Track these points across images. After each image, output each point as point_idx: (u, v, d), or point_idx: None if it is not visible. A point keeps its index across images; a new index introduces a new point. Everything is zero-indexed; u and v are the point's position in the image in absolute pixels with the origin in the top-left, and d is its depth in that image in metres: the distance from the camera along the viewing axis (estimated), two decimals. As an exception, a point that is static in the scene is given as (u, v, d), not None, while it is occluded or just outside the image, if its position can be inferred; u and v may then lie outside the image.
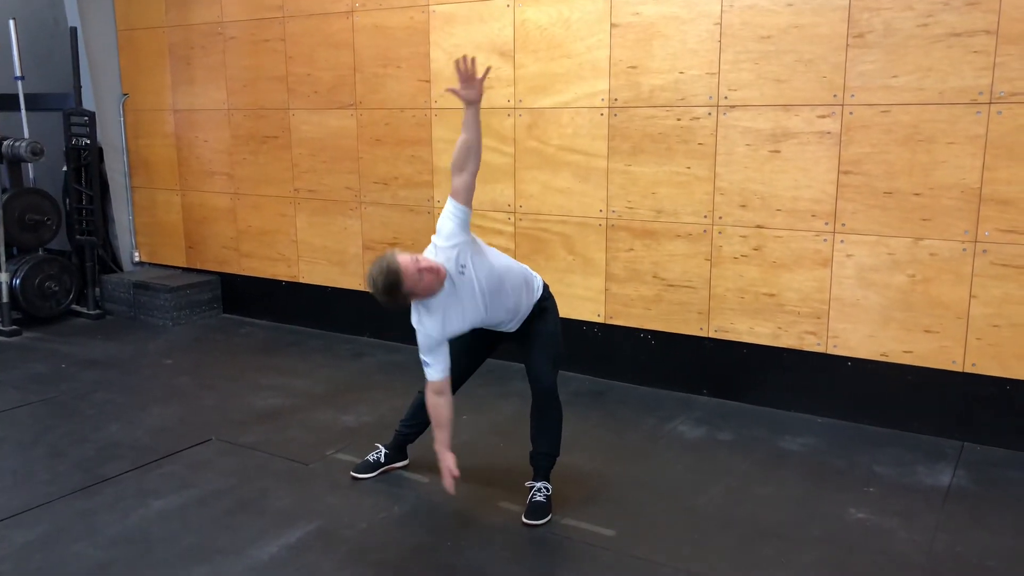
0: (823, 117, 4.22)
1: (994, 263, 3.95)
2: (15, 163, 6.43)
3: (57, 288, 6.52)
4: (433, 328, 3.22)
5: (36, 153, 6.34)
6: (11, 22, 6.34)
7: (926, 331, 4.14)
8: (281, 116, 6.10)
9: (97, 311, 6.70)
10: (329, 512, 3.50)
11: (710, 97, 4.49)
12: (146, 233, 7.11)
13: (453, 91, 3.16)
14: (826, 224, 4.30)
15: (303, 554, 3.18)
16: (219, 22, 6.27)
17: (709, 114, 4.50)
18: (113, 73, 6.89)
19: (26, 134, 6.46)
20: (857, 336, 4.31)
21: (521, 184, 5.14)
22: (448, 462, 3.26)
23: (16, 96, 6.48)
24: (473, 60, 3.13)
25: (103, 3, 6.77)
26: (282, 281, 6.38)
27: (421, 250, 3.27)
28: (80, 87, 6.54)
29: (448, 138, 5.36)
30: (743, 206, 4.49)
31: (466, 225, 3.19)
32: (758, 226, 4.47)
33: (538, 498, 3.44)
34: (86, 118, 6.51)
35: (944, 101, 3.95)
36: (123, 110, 6.93)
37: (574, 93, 4.88)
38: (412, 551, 3.22)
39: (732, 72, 4.41)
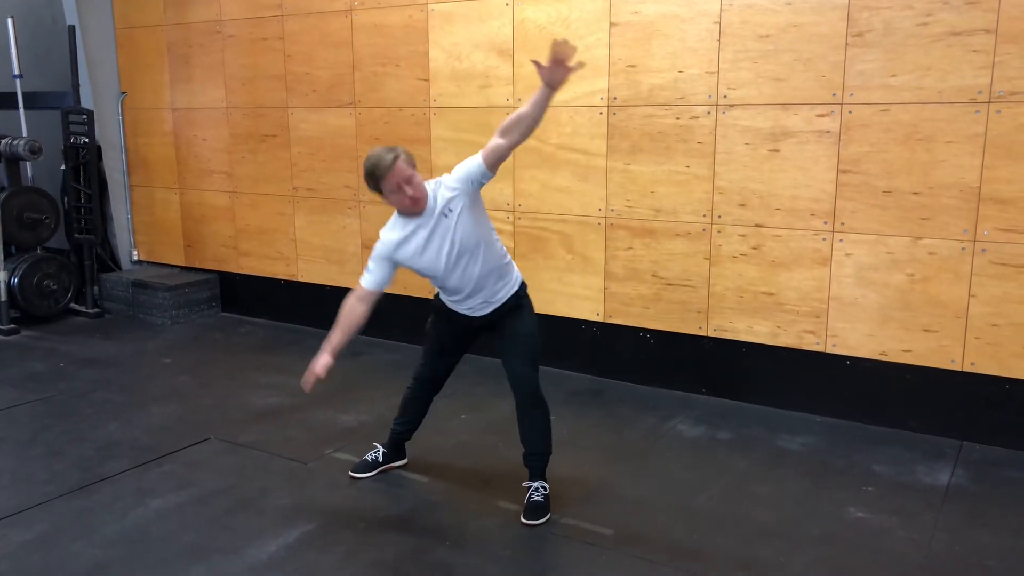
0: (822, 116, 4.22)
1: (993, 262, 3.95)
2: (13, 162, 6.42)
3: (55, 287, 6.51)
4: (391, 242, 3.28)
5: (34, 151, 6.33)
6: (9, 20, 6.33)
7: (925, 330, 4.14)
8: (280, 115, 6.09)
9: (95, 310, 6.70)
10: (328, 511, 3.50)
11: (709, 96, 4.48)
12: (145, 232, 7.10)
13: (537, 64, 3.00)
14: (825, 223, 4.30)
15: (302, 553, 3.18)
16: (218, 20, 6.26)
17: (708, 113, 4.50)
18: (111, 71, 6.88)
19: (24, 132, 6.46)
20: (856, 335, 4.31)
21: (520, 183, 5.14)
22: (322, 361, 3.30)
23: (14, 94, 6.48)
24: (573, 48, 2.97)
25: (101, 1, 6.76)
26: (281, 280, 6.38)
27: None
28: (78, 85, 6.53)
29: (447, 137, 5.35)
30: (742, 205, 4.49)
31: (477, 183, 3.20)
32: (757, 225, 4.47)
33: (536, 498, 3.43)
34: (84, 116, 6.51)
35: (943, 100, 3.94)
36: (121, 108, 6.92)
37: (573, 92, 4.87)
38: (411, 551, 3.22)
39: (731, 71, 4.41)
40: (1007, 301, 3.95)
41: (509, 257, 3.45)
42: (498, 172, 3.22)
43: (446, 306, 3.48)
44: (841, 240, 4.27)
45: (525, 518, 3.37)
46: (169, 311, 6.43)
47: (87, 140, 6.54)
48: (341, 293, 6.03)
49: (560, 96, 4.87)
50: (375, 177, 3.16)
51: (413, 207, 3.19)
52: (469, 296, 3.36)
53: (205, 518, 3.45)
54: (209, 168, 6.58)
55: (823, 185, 4.27)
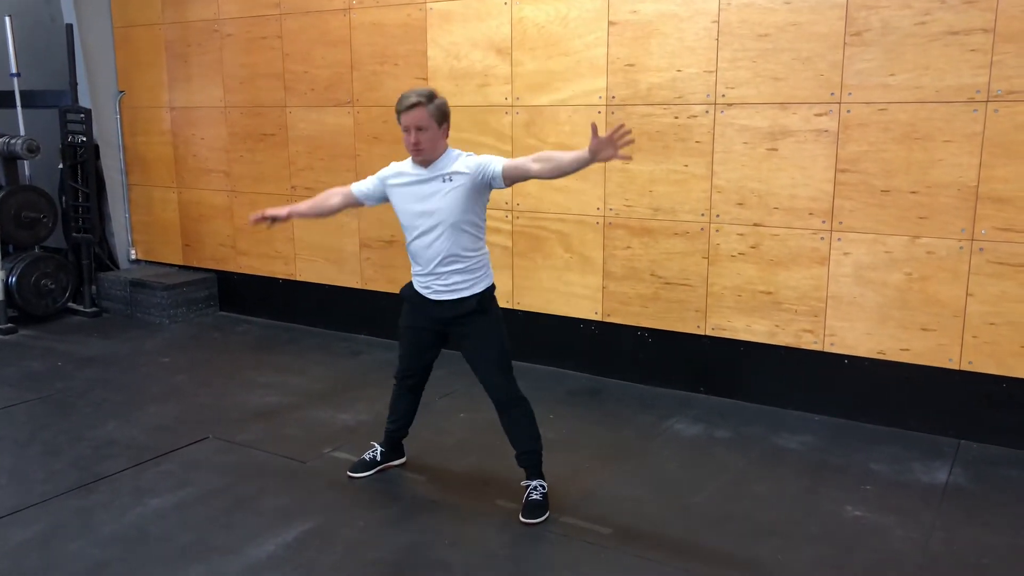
0: (820, 115, 4.22)
1: (991, 261, 3.96)
2: (11, 160, 6.41)
3: (53, 286, 6.50)
4: (391, 170, 3.43)
5: (32, 150, 6.33)
6: (7, 19, 6.33)
7: (923, 329, 4.15)
8: (278, 113, 6.09)
9: (93, 309, 6.69)
10: (326, 510, 3.50)
11: (708, 95, 4.49)
12: (142, 231, 7.10)
13: (593, 128, 2.99)
14: (823, 222, 4.30)
15: (300, 552, 3.18)
16: (216, 19, 6.26)
17: (707, 112, 4.50)
18: (109, 70, 6.87)
19: (22, 131, 6.45)
20: (854, 334, 4.31)
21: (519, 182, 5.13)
22: (274, 212, 3.53)
23: (12, 93, 6.47)
24: (632, 139, 3.03)
25: (99, 0, 6.75)
26: (279, 279, 6.38)
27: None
28: (76, 84, 6.52)
29: (445, 136, 5.35)
30: (740, 204, 4.49)
31: (486, 182, 3.24)
32: (755, 224, 4.47)
33: (534, 496, 3.44)
34: (82, 115, 6.50)
35: (941, 99, 3.95)
36: (119, 107, 6.91)
37: (572, 91, 4.87)
38: (409, 549, 3.22)
39: (730, 70, 4.41)
40: (1005, 300, 3.96)
41: (484, 262, 3.42)
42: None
43: (413, 289, 3.48)
44: (839, 239, 4.28)
45: (524, 517, 3.37)
46: (167, 310, 6.42)
47: (85, 139, 6.54)
48: (340, 292, 6.11)
49: (559, 95, 4.92)
50: (396, 109, 3.25)
51: (413, 153, 3.28)
52: (428, 273, 3.37)
53: (204, 517, 3.45)
54: (207, 167, 6.57)
55: (821, 184, 4.27)
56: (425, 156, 3.27)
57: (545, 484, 3.49)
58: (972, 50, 3.85)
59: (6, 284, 6.24)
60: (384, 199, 3.48)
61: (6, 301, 6.22)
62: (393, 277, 5.75)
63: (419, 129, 3.20)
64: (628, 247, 4.85)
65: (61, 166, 6.71)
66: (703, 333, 4.71)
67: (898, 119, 4.05)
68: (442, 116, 3.25)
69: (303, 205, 3.64)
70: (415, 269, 3.45)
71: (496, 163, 3.22)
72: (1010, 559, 3.12)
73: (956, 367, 4.10)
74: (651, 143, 4.68)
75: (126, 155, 6.98)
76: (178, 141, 6.70)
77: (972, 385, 4.08)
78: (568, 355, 5.16)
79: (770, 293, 4.49)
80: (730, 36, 4.38)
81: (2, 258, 6.23)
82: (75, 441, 4.23)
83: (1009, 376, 4.00)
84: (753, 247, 4.50)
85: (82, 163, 6.61)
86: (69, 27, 6.47)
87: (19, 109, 6.46)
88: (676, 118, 4.59)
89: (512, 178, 3.23)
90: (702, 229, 4.62)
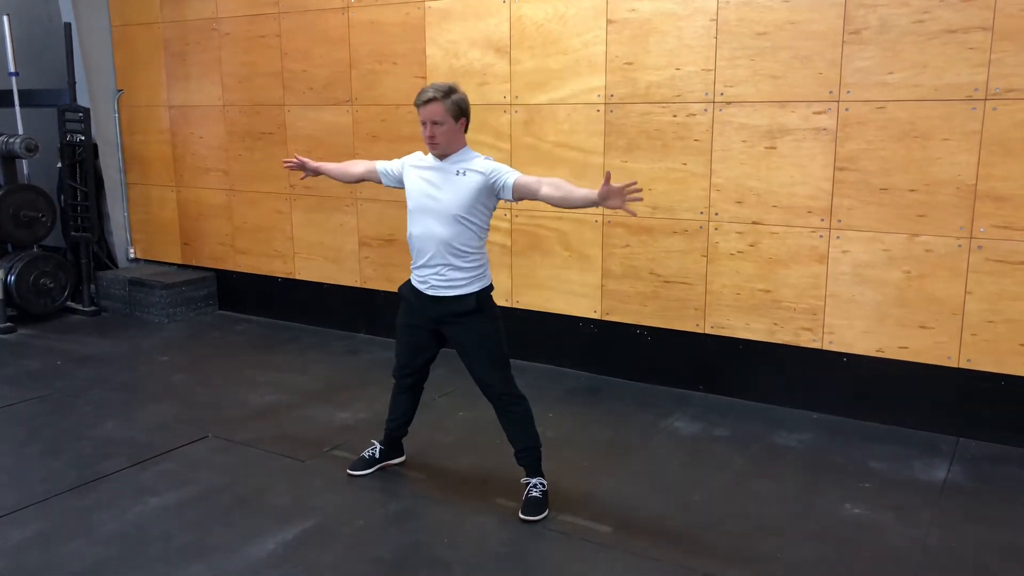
0: (819, 113, 4.22)
1: (989, 259, 3.96)
2: (9, 159, 6.41)
3: (52, 285, 6.50)
4: (412, 156, 3.54)
5: (31, 149, 6.32)
6: (5, 18, 6.32)
7: (921, 327, 4.15)
8: (276, 112, 6.09)
9: (92, 308, 6.69)
10: (326, 509, 3.50)
11: (706, 93, 4.49)
12: (141, 230, 7.10)
13: (607, 176, 3.02)
14: (822, 220, 4.31)
15: (300, 551, 3.18)
16: (214, 18, 6.25)
17: (705, 110, 4.50)
18: (108, 69, 6.87)
19: (20, 130, 6.44)
20: (853, 332, 4.32)
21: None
22: (306, 161, 3.80)
23: (10, 92, 6.46)
24: (641, 196, 3.08)
25: (97, -1, 6.76)
26: (278, 278, 6.38)
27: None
28: (75, 83, 6.52)
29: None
30: (739, 202, 4.50)
31: (494, 188, 3.28)
32: (754, 222, 4.48)
33: (533, 494, 3.44)
34: (81, 114, 6.50)
35: (940, 98, 3.95)
36: (118, 106, 6.91)
37: (570, 89, 4.87)
38: (408, 548, 3.22)
39: (728, 68, 4.41)
40: (1003, 298, 3.96)
41: (483, 262, 3.42)
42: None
43: (411, 287, 3.50)
44: (838, 237, 4.28)
45: (523, 514, 3.38)
46: (166, 309, 6.42)
47: (83, 138, 6.53)
48: (339, 291, 6.11)
49: (557, 93, 4.92)
50: (414, 102, 3.33)
51: (430, 146, 3.35)
52: (425, 265, 3.39)
53: (203, 516, 3.45)
54: (206, 166, 6.57)
55: (820, 182, 4.28)
56: (441, 150, 3.33)
57: (545, 482, 3.49)
58: (970, 48, 3.85)
59: (5, 283, 6.23)
60: (400, 183, 3.55)
61: (5, 300, 6.22)
62: (392, 276, 5.75)
63: (435, 123, 3.27)
64: (627, 245, 4.85)
65: (60, 165, 6.71)
66: (702, 331, 4.72)
67: (897, 117, 4.05)
68: (459, 111, 3.29)
69: (331, 165, 3.82)
70: (414, 263, 3.47)
71: (510, 176, 3.26)
72: (1008, 556, 3.12)
73: (955, 365, 4.11)
74: (650, 141, 4.68)
75: (125, 154, 6.98)
76: (177, 140, 6.69)
77: (971, 383, 4.09)
78: (567, 353, 5.17)
79: (769, 291, 4.50)
80: (729, 34, 4.38)
81: (1, 257, 6.22)
82: (74, 440, 4.23)
83: (1007, 374, 4.00)
84: (752, 245, 4.50)
85: (81, 162, 6.61)
86: (67, 26, 6.46)
87: (17, 108, 6.46)
88: (675, 116, 4.59)
89: (521, 195, 3.26)
90: (701, 227, 4.62)
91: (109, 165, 6.92)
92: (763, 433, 4.24)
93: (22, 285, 6.30)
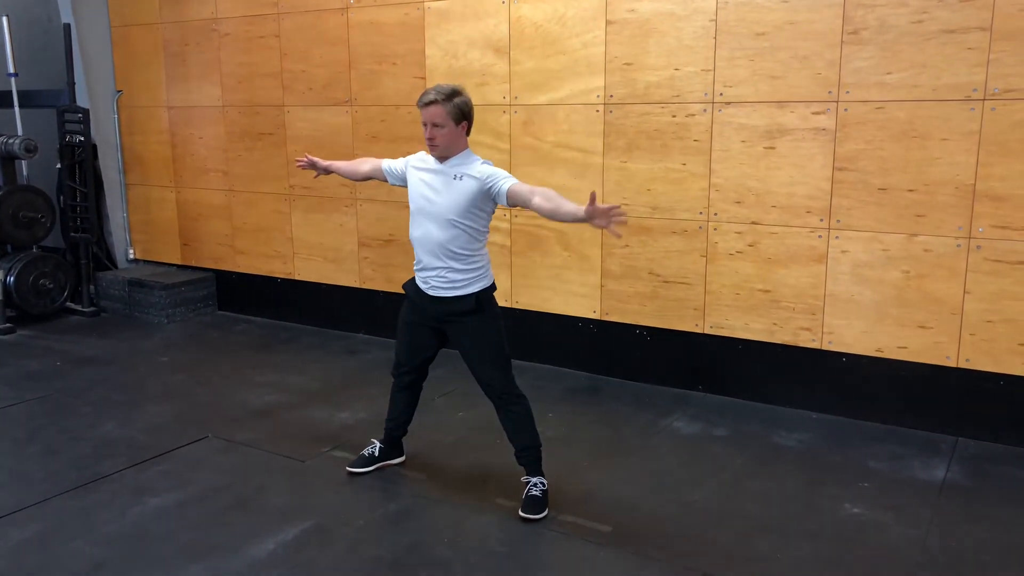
0: (818, 114, 4.23)
1: (988, 259, 3.97)
2: (9, 160, 6.41)
3: (51, 285, 6.50)
4: (414, 157, 3.54)
5: (30, 150, 6.32)
6: (4, 19, 6.32)
7: (920, 327, 4.16)
8: (276, 113, 6.09)
9: (92, 308, 6.69)
10: (326, 509, 3.51)
11: (705, 94, 4.49)
12: (141, 230, 7.10)
13: (592, 196, 2.96)
14: (821, 220, 4.31)
15: (300, 551, 3.18)
16: (213, 18, 6.25)
17: (704, 111, 4.51)
18: (107, 70, 6.87)
19: (20, 131, 6.44)
20: (852, 332, 4.32)
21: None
22: (318, 160, 3.83)
23: (10, 93, 6.46)
24: (624, 220, 3.00)
25: (97, -1, 6.76)
26: (277, 278, 6.38)
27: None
28: (74, 84, 6.52)
29: (443, 135, 5.35)
30: (738, 202, 4.50)
31: (489, 193, 3.27)
32: (753, 222, 4.48)
33: (533, 492, 3.44)
34: (80, 115, 6.50)
35: (938, 98, 3.96)
36: (117, 107, 6.91)
37: (569, 90, 4.88)
38: (408, 547, 3.22)
39: (727, 69, 4.41)
40: (1002, 298, 3.97)
41: (483, 263, 3.42)
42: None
43: (414, 285, 3.52)
44: (837, 237, 4.28)
45: (523, 512, 3.38)
46: (166, 310, 6.42)
47: (83, 138, 6.53)
48: (338, 291, 6.11)
49: (557, 94, 4.92)
50: (418, 102, 3.34)
51: (430, 148, 3.36)
52: (425, 267, 3.42)
53: (203, 516, 3.45)
54: (205, 166, 6.57)
55: (819, 182, 4.28)
56: (440, 152, 3.34)
57: (544, 481, 3.49)
58: (969, 48, 3.86)
59: (4, 284, 6.23)
60: (404, 182, 3.56)
61: (5, 301, 6.22)
62: (391, 276, 5.75)
63: (435, 125, 3.28)
64: (626, 246, 4.85)
65: (59, 166, 6.71)
66: (701, 331, 4.72)
67: (895, 117, 4.05)
68: (460, 115, 3.29)
69: (341, 164, 3.86)
70: (416, 264, 3.49)
71: (506, 182, 3.25)
72: (1007, 555, 3.13)
73: (953, 365, 4.11)
74: (649, 142, 4.68)
75: (124, 154, 6.98)
76: (176, 140, 6.69)
77: (969, 382, 4.09)
78: (567, 353, 5.17)
79: (768, 291, 4.50)
80: (728, 35, 4.39)
81: (0, 258, 6.22)
82: (74, 441, 4.23)
83: (1006, 373, 4.01)
84: (751, 245, 4.51)
85: (80, 163, 6.61)
86: (67, 27, 6.47)
87: (17, 109, 6.46)
88: (674, 117, 4.60)
89: (514, 202, 3.26)
90: (700, 227, 4.63)
91: (108, 166, 6.92)
92: (762, 433, 4.25)
93: (21, 286, 6.30)
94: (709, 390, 4.78)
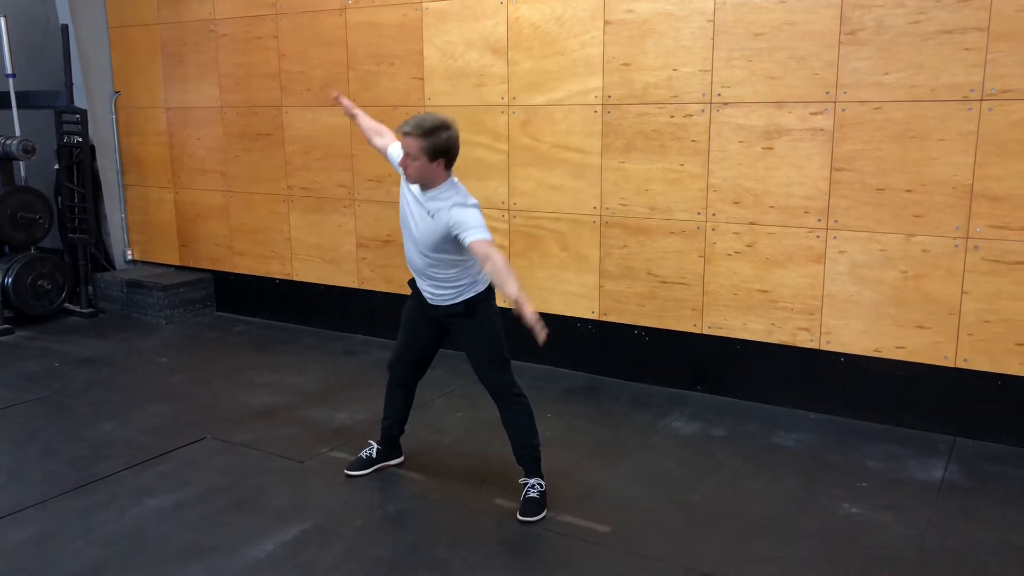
0: (816, 114, 4.24)
1: (985, 259, 3.97)
2: (7, 161, 6.40)
3: (50, 286, 6.50)
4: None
5: (28, 151, 6.31)
6: (2, 20, 6.31)
7: (918, 327, 4.17)
8: (274, 113, 6.09)
9: (90, 309, 6.68)
10: (324, 510, 3.51)
11: (703, 94, 4.50)
12: (139, 231, 7.09)
13: (523, 303, 3.01)
14: (819, 220, 4.32)
15: (299, 552, 3.18)
16: (211, 19, 6.25)
17: (702, 111, 4.51)
18: (105, 70, 6.86)
19: (17, 132, 6.43)
20: (850, 332, 4.33)
21: (515, 181, 5.14)
22: (348, 103, 3.87)
23: (7, 94, 6.45)
24: (543, 333, 2.97)
25: (95, 0, 6.74)
26: (276, 279, 6.38)
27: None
28: (72, 84, 6.51)
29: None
30: (736, 203, 4.51)
31: (460, 241, 3.21)
32: (751, 223, 4.49)
33: (531, 494, 3.44)
34: (78, 116, 6.49)
35: (936, 98, 3.96)
36: (115, 107, 6.91)
37: (567, 90, 4.88)
38: (407, 548, 3.23)
39: (725, 69, 4.42)
40: (999, 298, 3.97)
41: (468, 276, 3.41)
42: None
43: (416, 281, 3.56)
44: (835, 237, 4.29)
45: (521, 515, 3.38)
46: (164, 310, 6.42)
47: (80, 139, 6.53)
48: (336, 292, 6.11)
49: (555, 94, 4.92)
50: (446, 126, 3.27)
51: (405, 174, 3.32)
52: (417, 277, 3.50)
53: (202, 517, 3.45)
54: (203, 167, 6.57)
55: (817, 183, 4.29)
56: (412, 181, 3.31)
57: (543, 482, 3.50)
58: (966, 49, 3.87)
59: (3, 285, 6.23)
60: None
61: (3, 302, 6.21)
62: (390, 276, 5.75)
63: (408, 155, 3.24)
64: (624, 246, 4.86)
65: (57, 167, 6.70)
66: (699, 331, 4.73)
67: (893, 118, 4.06)
68: (435, 153, 3.20)
69: (365, 120, 3.83)
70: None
71: (469, 236, 3.16)
72: (1005, 555, 3.13)
73: (951, 364, 4.12)
74: (647, 142, 4.69)
75: (122, 155, 6.98)
76: (174, 141, 6.69)
77: (967, 382, 4.10)
78: (565, 354, 5.17)
79: (766, 291, 4.51)
80: (725, 35, 4.39)
81: (-2, 259, 6.22)
82: (73, 442, 4.23)
83: (1004, 373, 4.02)
84: (749, 246, 4.51)
85: (78, 164, 6.60)
86: (64, 27, 6.46)
87: (15, 110, 6.45)
88: (672, 117, 4.60)
89: (474, 256, 3.23)
90: (698, 228, 4.63)
91: (106, 167, 6.92)
92: (760, 433, 4.25)
93: (19, 287, 6.29)
94: (707, 390, 4.78)
